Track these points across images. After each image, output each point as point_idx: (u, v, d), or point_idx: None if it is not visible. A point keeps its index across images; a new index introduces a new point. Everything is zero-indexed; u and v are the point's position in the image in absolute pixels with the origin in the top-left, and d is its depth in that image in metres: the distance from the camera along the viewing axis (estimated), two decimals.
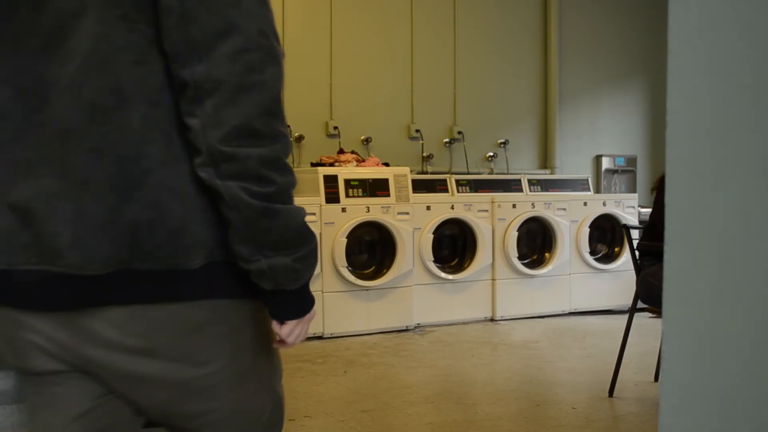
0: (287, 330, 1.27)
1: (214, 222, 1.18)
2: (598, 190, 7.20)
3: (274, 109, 1.15)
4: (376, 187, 5.42)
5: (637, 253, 3.92)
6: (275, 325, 1.27)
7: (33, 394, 1.26)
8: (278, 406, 1.38)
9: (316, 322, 5.28)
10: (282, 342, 1.29)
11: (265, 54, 1.13)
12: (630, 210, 6.45)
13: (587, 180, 6.80)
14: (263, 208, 1.15)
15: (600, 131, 7.46)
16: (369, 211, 5.35)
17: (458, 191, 5.97)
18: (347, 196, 5.38)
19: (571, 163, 7.27)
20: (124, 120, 1.12)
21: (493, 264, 5.93)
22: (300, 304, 1.27)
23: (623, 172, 7.42)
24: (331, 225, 5.28)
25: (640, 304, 3.94)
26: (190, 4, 1.10)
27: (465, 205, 5.76)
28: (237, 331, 1.26)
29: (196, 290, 1.18)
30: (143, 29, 1.12)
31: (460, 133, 6.69)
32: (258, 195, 1.14)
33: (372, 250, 5.55)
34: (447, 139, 6.66)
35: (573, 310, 6.26)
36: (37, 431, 1.26)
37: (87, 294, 1.14)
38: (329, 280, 5.30)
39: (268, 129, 1.14)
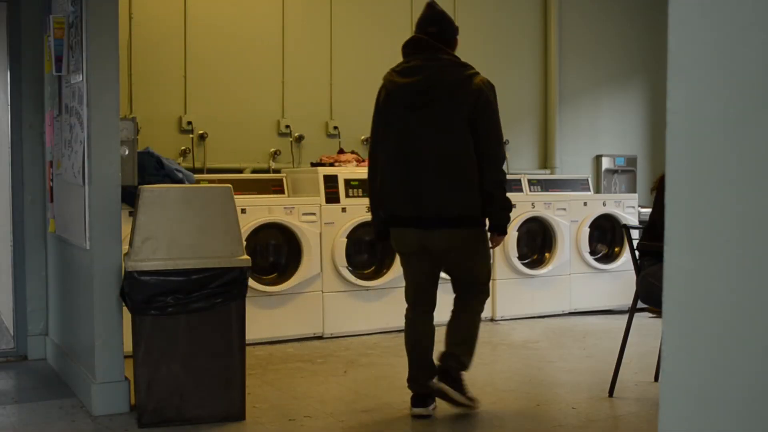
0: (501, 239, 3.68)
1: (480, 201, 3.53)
2: (598, 190, 7.20)
3: None
4: None
5: (637, 253, 3.92)
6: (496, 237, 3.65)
7: (405, 262, 3.71)
8: (490, 272, 3.78)
9: (316, 322, 5.28)
10: (495, 245, 3.67)
11: None
12: (630, 210, 6.44)
13: (587, 180, 6.80)
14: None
15: (600, 131, 7.46)
16: (369, 211, 5.34)
17: None
18: (347, 196, 5.38)
19: (571, 163, 7.27)
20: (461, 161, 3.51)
21: (493, 264, 5.92)
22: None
23: (623, 172, 7.42)
24: (331, 225, 5.28)
25: (640, 304, 3.94)
26: None
27: None
28: (483, 238, 3.63)
29: (475, 224, 3.56)
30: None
31: None
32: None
33: (372, 250, 5.56)
34: None
35: (573, 310, 6.26)
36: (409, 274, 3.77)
37: (441, 223, 3.48)
38: (329, 280, 5.30)
39: None
